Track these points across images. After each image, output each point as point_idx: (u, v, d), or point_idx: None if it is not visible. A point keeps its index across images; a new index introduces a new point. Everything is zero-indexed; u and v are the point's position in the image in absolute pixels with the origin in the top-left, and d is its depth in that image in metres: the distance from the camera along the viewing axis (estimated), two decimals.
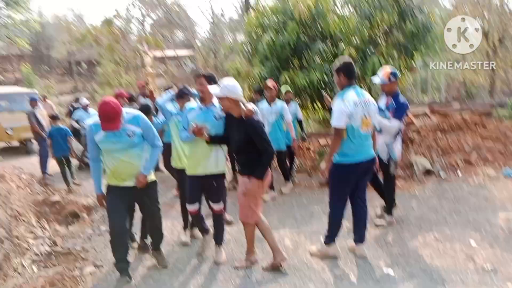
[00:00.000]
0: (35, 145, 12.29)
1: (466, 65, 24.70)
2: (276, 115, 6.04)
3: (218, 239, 4.15)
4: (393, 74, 4.52)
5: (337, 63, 3.84)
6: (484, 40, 22.26)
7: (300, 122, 6.92)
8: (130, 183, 3.63)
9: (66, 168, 7.87)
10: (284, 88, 6.56)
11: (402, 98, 4.56)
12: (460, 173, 6.92)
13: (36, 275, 4.20)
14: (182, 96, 4.45)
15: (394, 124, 4.48)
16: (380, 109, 4.44)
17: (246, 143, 3.56)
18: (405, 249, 4.18)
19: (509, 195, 5.76)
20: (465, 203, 5.54)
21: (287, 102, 6.41)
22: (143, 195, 3.74)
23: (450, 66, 26.36)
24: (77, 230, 5.73)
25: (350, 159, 3.72)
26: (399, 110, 4.47)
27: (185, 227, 4.77)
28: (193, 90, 4.47)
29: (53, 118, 8.10)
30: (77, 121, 9.33)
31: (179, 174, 4.53)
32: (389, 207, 4.92)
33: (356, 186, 3.89)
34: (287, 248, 4.38)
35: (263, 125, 3.64)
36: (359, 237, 4.09)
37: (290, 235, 4.75)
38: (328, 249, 4.06)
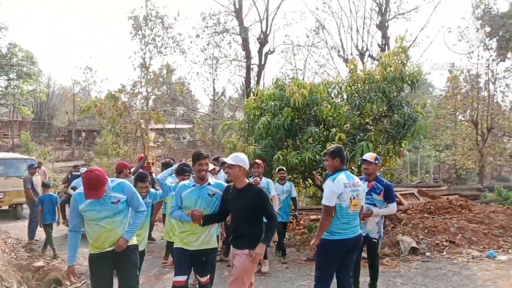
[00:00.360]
0: (24, 211, 12.38)
1: (453, 149, 25.61)
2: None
3: None
4: (377, 158, 4.95)
5: (332, 148, 4.22)
6: (474, 129, 23.50)
7: (293, 199, 7.32)
8: (110, 248, 3.64)
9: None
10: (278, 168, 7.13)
11: (383, 179, 5.00)
12: (445, 253, 7.04)
13: None
14: (182, 172, 4.64)
15: (393, 207, 4.91)
16: (368, 193, 4.69)
17: (252, 211, 3.71)
18: None
19: (491, 276, 5.86)
20: (447, 282, 5.62)
21: (281, 180, 6.99)
22: (123, 259, 3.69)
23: (437, 151, 27.08)
24: None
25: (338, 236, 3.93)
26: (391, 192, 4.88)
27: None
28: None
29: (44, 186, 8.40)
30: (73, 189, 9.53)
31: (170, 246, 4.62)
32: (375, 283, 5.05)
33: (342, 262, 4.04)
34: None
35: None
36: None
37: None
38: None
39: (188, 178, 4.23)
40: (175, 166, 4.96)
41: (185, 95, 32.57)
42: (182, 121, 34.75)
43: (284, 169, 7.22)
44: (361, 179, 4.57)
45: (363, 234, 4.42)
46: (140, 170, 5.75)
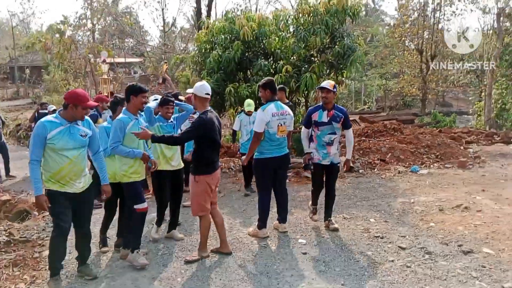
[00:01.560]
0: None
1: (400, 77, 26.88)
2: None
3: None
4: (335, 86, 4.92)
5: (263, 80, 4.80)
6: (419, 57, 24.68)
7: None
8: (73, 188, 3.67)
9: None
10: (247, 106, 6.97)
11: (341, 107, 5.07)
12: (376, 170, 8.11)
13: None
14: (166, 103, 4.78)
15: (351, 134, 5.04)
16: (323, 123, 4.83)
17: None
18: (318, 225, 5.14)
19: (411, 186, 6.98)
20: (374, 192, 6.67)
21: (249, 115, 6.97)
22: (84, 200, 3.80)
23: (384, 79, 28.32)
24: (31, 224, 6.18)
25: (266, 155, 4.70)
26: (348, 119, 4.96)
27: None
28: None
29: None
30: None
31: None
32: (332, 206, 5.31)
33: (276, 177, 4.81)
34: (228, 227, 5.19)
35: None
36: (282, 218, 5.02)
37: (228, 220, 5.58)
38: (259, 231, 4.91)
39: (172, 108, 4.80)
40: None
41: (134, 27, 31.29)
42: (132, 54, 33.60)
43: (251, 110, 6.94)
44: (317, 108, 4.90)
45: (327, 163, 4.89)
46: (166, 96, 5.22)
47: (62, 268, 3.93)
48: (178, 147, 5.00)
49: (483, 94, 21.97)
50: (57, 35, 14.71)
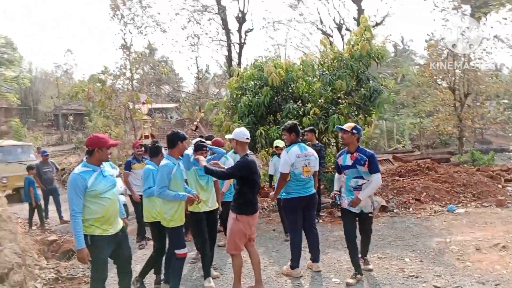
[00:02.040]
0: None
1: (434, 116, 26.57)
2: None
3: None
4: (355, 128, 4.68)
5: (288, 124, 5.04)
6: (452, 95, 24.52)
7: None
8: (116, 228, 3.83)
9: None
10: (276, 143, 7.09)
11: (366, 149, 4.73)
12: (411, 209, 8.05)
13: None
14: (200, 148, 4.94)
15: (378, 179, 4.55)
16: (347, 167, 4.64)
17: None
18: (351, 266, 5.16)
19: (447, 225, 6.88)
20: (409, 232, 6.62)
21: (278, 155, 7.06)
22: (122, 240, 3.95)
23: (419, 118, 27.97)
24: (76, 263, 6.52)
25: (293, 195, 4.90)
26: (374, 161, 4.59)
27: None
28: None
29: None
30: None
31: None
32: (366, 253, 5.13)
33: (304, 217, 4.97)
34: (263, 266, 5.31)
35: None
36: (314, 257, 5.11)
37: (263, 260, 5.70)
38: (293, 271, 5.00)
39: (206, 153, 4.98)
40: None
41: (169, 74, 32.87)
42: (169, 100, 35.14)
43: (280, 146, 7.14)
44: (343, 152, 4.81)
45: (357, 211, 4.61)
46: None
47: None
48: (213, 190, 5.20)
49: None
50: (98, 84, 15.70)
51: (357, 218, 4.74)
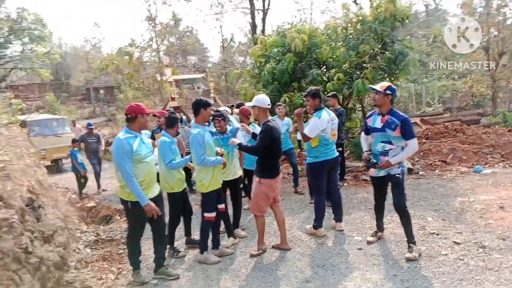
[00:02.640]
0: (65, 165, 13.88)
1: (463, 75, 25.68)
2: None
3: None
4: (389, 88, 4.34)
5: (312, 90, 5.10)
6: (485, 55, 23.54)
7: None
8: (154, 192, 4.18)
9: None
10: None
11: (400, 112, 4.33)
12: (437, 171, 8.06)
13: (91, 254, 5.46)
14: (213, 119, 5.16)
15: (413, 146, 4.29)
16: (376, 129, 4.38)
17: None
18: (375, 224, 5.33)
19: (472, 186, 6.89)
20: (433, 192, 6.68)
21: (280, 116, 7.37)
22: (160, 203, 4.30)
23: (446, 79, 27.21)
24: (114, 226, 7.00)
25: (322, 158, 5.03)
26: (409, 127, 4.23)
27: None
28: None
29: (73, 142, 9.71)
30: None
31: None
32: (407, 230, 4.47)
33: (329, 179, 5.12)
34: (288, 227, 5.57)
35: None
36: (338, 216, 5.31)
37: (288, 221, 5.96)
38: (316, 231, 5.23)
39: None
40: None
41: (195, 45, 32.92)
42: (195, 71, 35.35)
43: (282, 104, 7.52)
44: (374, 112, 4.56)
45: (383, 174, 4.41)
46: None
47: (141, 261, 4.50)
48: (234, 160, 5.25)
49: None
50: (126, 57, 16.02)
51: (388, 182, 4.51)
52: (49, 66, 39.54)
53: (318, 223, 5.22)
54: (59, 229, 5.86)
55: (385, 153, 4.36)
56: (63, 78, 42.13)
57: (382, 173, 4.45)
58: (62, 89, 40.92)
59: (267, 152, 4.49)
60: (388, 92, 4.27)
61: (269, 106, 4.62)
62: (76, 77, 44.74)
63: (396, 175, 4.34)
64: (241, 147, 4.57)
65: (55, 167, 13.79)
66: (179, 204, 5.01)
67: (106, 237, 6.25)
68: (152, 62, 19.05)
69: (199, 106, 4.59)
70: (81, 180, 9.50)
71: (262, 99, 4.61)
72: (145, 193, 3.95)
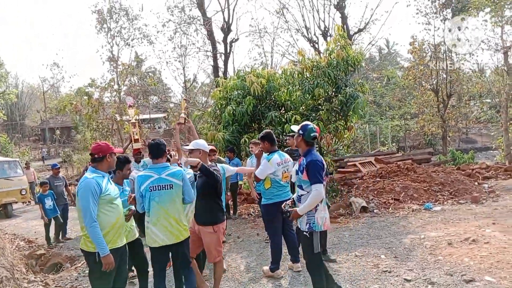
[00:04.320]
0: (15, 210, 13.23)
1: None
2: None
3: None
4: (302, 127, 3.99)
5: (262, 134, 5.26)
6: (435, 96, 25.09)
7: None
8: (122, 240, 3.86)
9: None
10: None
11: (313, 156, 3.88)
12: (390, 209, 8.34)
13: None
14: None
15: (316, 192, 3.75)
16: (296, 172, 4.09)
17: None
18: (330, 264, 5.41)
19: (423, 223, 7.17)
20: (387, 230, 6.89)
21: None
22: (124, 255, 3.95)
23: (399, 119, 28.59)
24: (65, 274, 6.67)
25: (275, 200, 5.14)
26: (312, 169, 3.78)
27: None
28: None
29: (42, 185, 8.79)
30: None
31: None
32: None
33: (284, 220, 5.21)
34: (245, 269, 5.53)
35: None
36: (294, 257, 5.36)
37: (247, 263, 5.92)
38: (273, 273, 5.23)
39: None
40: None
41: (157, 85, 33.06)
42: (157, 110, 35.30)
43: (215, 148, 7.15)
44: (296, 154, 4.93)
45: (297, 225, 4.04)
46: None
47: None
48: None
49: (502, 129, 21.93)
50: (85, 97, 15.88)
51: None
52: (4, 106, 38.35)
53: (275, 266, 5.23)
54: (5, 280, 5.55)
55: (299, 199, 3.98)
56: (18, 118, 40.77)
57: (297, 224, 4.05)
58: (16, 129, 39.49)
59: (216, 196, 4.49)
60: (300, 132, 3.96)
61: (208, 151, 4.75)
62: (32, 117, 43.38)
63: (304, 233, 3.88)
64: (202, 167, 4.23)
65: (3, 212, 13.07)
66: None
67: (56, 286, 5.95)
68: (112, 102, 18.96)
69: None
70: (49, 226, 8.62)
71: (204, 143, 4.73)
72: (115, 241, 3.67)
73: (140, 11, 28.14)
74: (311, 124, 4.00)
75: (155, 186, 4.00)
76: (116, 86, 20.60)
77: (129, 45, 26.36)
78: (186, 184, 4.08)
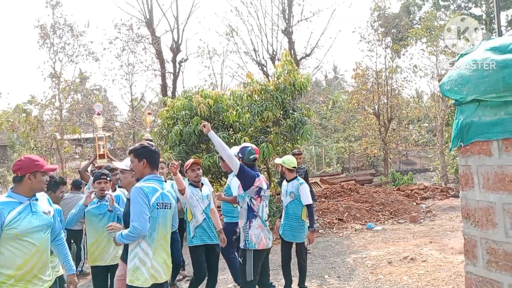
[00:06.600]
0: None
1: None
2: None
3: None
4: (241, 150, 3.98)
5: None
6: (376, 120, 26.36)
7: None
8: None
9: None
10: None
11: (249, 171, 3.84)
12: (334, 229, 8.56)
13: None
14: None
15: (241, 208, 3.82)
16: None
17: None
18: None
19: (365, 242, 7.42)
20: (331, 250, 7.05)
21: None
22: None
23: (344, 141, 29.67)
24: None
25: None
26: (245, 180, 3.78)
27: None
28: None
29: None
30: None
31: None
32: None
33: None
34: None
35: None
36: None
37: None
38: None
39: None
40: None
41: (102, 103, 32.05)
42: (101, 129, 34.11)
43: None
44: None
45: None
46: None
47: None
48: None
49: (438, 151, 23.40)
50: (24, 115, 15.04)
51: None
52: None
53: None
54: None
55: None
56: None
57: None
58: None
59: None
60: (240, 155, 3.90)
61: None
62: None
63: (241, 249, 3.85)
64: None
65: None
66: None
67: None
68: (53, 120, 18.10)
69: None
70: None
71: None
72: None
73: (86, 27, 27.24)
74: (250, 146, 3.98)
75: (161, 203, 3.08)
76: (57, 103, 19.74)
77: (73, 61, 25.42)
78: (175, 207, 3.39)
